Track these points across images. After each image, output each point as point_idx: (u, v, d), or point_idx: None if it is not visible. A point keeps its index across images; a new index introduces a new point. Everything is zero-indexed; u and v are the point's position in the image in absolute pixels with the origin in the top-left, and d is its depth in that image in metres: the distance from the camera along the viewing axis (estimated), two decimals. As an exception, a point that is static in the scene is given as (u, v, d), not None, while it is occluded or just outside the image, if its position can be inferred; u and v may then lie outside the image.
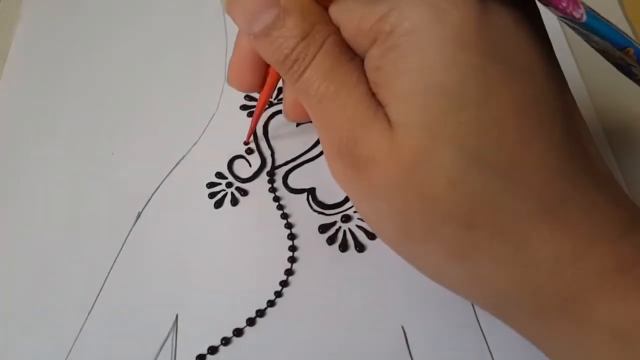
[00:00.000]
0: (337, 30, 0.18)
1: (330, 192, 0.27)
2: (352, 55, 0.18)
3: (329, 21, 0.18)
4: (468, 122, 0.16)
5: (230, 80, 0.23)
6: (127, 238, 0.26)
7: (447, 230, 0.16)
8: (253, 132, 0.28)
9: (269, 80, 0.22)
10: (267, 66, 0.22)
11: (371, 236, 0.25)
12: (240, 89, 0.23)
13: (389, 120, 0.16)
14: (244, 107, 0.29)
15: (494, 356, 0.22)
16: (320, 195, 0.27)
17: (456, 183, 0.16)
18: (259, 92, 0.23)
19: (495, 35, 0.16)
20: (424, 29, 0.15)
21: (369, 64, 0.17)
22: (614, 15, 0.32)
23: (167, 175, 0.28)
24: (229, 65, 0.22)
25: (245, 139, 0.28)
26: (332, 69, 0.17)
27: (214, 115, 0.29)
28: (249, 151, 0.28)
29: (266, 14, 0.17)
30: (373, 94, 0.17)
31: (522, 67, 0.16)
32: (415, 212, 0.17)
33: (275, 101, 0.30)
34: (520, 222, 0.16)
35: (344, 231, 0.26)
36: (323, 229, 0.26)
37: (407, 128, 0.16)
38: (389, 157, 0.16)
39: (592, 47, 0.19)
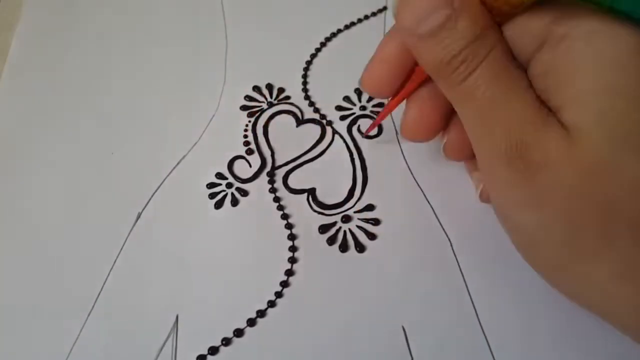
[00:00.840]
0: (503, 39, 0.18)
1: (330, 193, 0.27)
2: (518, 64, 0.18)
3: (498, 29, 0.18)
4: None
5: (364, 83, 0.23)
6: (127, 239, 0.26)
7: (625, 241, 0.16)
8: (253, 133, 0.28)
9: (406, 88, 0.22)
10: (407, 75, 0.22)
11: (371, 237, 0.25)
12: (371, 93, 0.23)
13: (562, 125, 0.16)
14: (244, 108, 0.29)
15: (495, 356, 0.22)
16: (320, 196, 0.27)
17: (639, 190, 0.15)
18: (388, 98, 0.23)
19: None
20: (601, 32, 0.15)
21: (536, 70, 0.17)
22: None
23: (167, 175, 0.27)
24: (366, 68, 0.22)
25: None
26: (501, 73, 0.17)
27: (214, 115, 0.29)
28: (249, 151, 0.28)
29: (437, 13, 0.17)
30: (541, 101, 0.17)
31: None
32: (591, 219, 0.16)
33: (276, 102, 0.30)
34: None
35: (344, 232, 0.26)
36: (323, 229, 0.26)
37: (588, 131, 0.15)
38: (566, 161, 0.16)
39: None
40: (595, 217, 0.16)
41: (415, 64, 0.21)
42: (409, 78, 0.22)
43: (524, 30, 0.17)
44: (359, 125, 0.28)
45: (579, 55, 0.16)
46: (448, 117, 0.22)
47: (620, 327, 0.18)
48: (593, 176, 0.15)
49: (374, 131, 0.28)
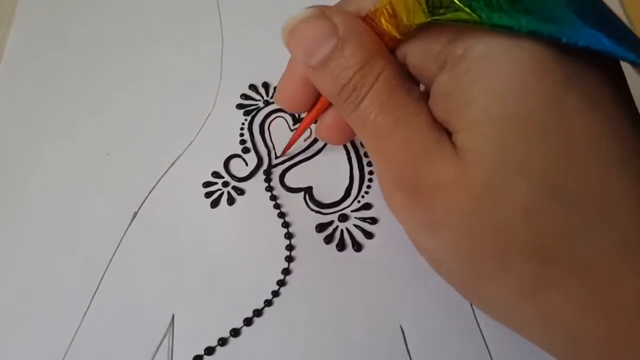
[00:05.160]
0: (395, 62, 0.18)
1: (327, 191, 0.27)
2: (410, 87, 0.18)
3: (387, 52, 0.18)
4: (543, 151, 0.15)
5: (278, 99, 0.23)
6: (122, 238, 0.26)
7: (520, 265, 0.15)
8: (249, 131, 0.28)
9: (319, 104, 0.22)
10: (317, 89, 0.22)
11: (368, 235, 0.25)
12: (288, 109, 0.23)
13: (455, 148, 0.16)
14: (240, 106, 0.29)
15: (492, 355, 0.22)
16: (317, 194, 0.26)
17: (531, 214, 0.15)
18: (305, 112, 0.23)
19: (569, 66, 0.15)
20: (497, 54, 0.15)
21: (438, 90, 0.17)
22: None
23: (163, 174, 0.27)
24: (278, 84, 0.22)
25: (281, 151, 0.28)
26: (390, 100, 0.17)
27: (210, 114, 0.29)
28: (245, 150, 0.28)
29: (324, 44, 0.18)
30: (435, 123, 0.17)
31: (596, 99, 0.15)
32: (485, 244, 0.16)
33: (272, 100, 0.29)
34: (601, 259, 0.15)
35: (341, 230, 0.25)
36: (320, 228, 0.26)
37: (478, 155, 0.15)
38: (457, 185, 0.16)
39: None
40: (489, 241, 0.16)
41: None
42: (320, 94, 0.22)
43: (425, 53, 0.17)
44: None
45: (475, 78, 0.15)
46: None
47: (532, 341, 0.18)
48: (484, 200, 0.15)
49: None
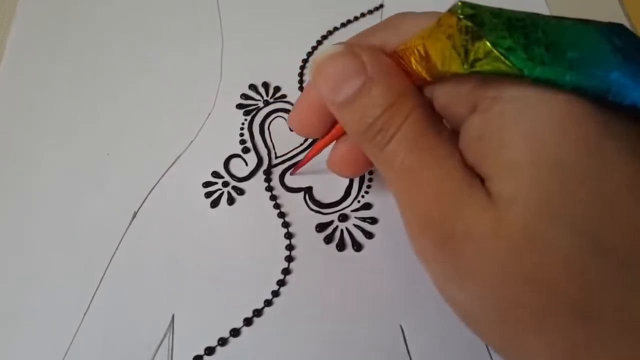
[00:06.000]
0: (424, 103, 0.17)
1: (327, 191, 0.27)
2: (439, 129, 0.17)
3: (417, 93, 0.17)
4: (586, 200, 0.14)
5: (292, 122, 0.22)
6: (122, 238, 0.26)
7: (561, 321, 0.14)
8: (249, 131, 0.28)
9: (333, 132, 0.22)
10: (333, 117, 0.21)
11: (368, 235, 0.25)
12: (299, 133, 0.23)
13: (488, 195, 0.15)
14: (240, 106, 0.29)
15: (492, 355, 0.22)
16: (317, 194, 0.26)
17: (573, 267, 0.14)
18: (318, 138, 0.23)
19: (607, 110, 0.15)
20: (532, 96, 0.14)
21: (469, 132, 0.16)
22: (614, 13, 0.32)
23: (163, 174, 0.27)
24: (293, 107, 0.22)
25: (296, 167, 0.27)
26: (419, 141, 0.16)
27: (210, 114, 0.29)
28: (245, 150, 0.28)
29: (352, 82, 0.17)
30: (466, 167, 0.16)
31: (634, 146, 0.15)
32: (522, 298, 0.15)
33: (272, 100, 0.29)
34: None
35: (341, 230, 0.25)
36: (320, 228, 0.26)
37: (517, 203, 0.14)
38: (492, 234, 0.15)
39: None
40: (527, 294, 0.15)
41: None
42: (336, 122, 0.21)
43: (454, 93, 0.16)
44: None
45: (510, 121, 0.15)
46: None
47: None
48: (521, 252, 0.14)
49: None
